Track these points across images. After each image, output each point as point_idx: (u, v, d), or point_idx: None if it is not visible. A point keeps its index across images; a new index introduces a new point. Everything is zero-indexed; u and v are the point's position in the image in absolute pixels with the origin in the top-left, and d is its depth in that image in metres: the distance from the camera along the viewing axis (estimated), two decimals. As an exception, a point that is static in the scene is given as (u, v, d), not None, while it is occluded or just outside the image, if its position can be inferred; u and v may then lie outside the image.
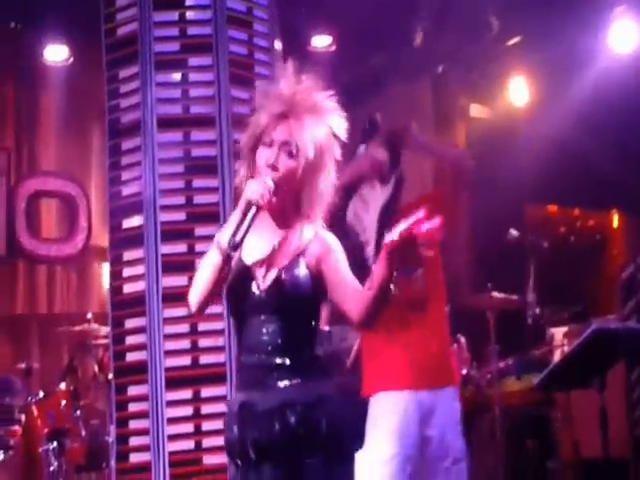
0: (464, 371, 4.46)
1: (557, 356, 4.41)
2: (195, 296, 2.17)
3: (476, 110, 6.77)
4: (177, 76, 3.88)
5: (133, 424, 3.56)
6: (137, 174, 3.76)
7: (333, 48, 6.35)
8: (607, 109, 5.57)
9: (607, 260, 6.97)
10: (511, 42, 6.20)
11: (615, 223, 7.34)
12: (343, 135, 2.24)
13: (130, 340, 3.69)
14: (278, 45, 4.20)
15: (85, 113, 6.37)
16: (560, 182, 5.92)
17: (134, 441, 3.55)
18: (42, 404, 4.17)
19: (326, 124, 2.21)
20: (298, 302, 2.15)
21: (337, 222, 2.91)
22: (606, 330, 3.26)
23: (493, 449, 4.37)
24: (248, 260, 2.20)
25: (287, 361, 2.14)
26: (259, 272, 2.18)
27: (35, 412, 4.15)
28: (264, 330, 2.15)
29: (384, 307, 2.10)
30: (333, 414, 2.13)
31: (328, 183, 2.23)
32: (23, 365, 4.54)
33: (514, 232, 4.54)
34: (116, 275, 3.77)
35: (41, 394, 4.24)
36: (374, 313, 2.11)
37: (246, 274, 2.18)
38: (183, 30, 3.88)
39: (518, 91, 6.40)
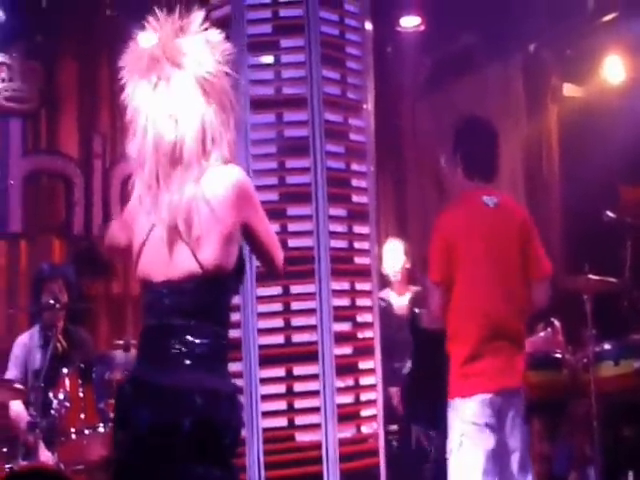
0: (559, 355, 4.37)
1: (657, 342, 4.28)
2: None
3: (570, 89, 6.58)
4: (269, 58, 3.90)
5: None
6: (231, 155, 3.82)
7: (422, 28, 6.30)
8: None
9: None
10: (606, 19, 6.01)
11: None
12: None
13: (224, 318, 3.75)
14: (368, 25, 4.17)
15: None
16: (657, 163, 5.71)
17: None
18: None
19: None
20: None
21: None
22: None
23: (589, 436, 4.27)
24: None
25: None
26: None
27: (133, 387, 4.26)
28: None
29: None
30: None
31: None
32: (121, 342, 4.67)
33: (610, 214, 4.41)
34: (210, 254, 3.84)
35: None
36: None
37: None
38: (275, 12, 3.89)
39: (613, 69, 6.20)
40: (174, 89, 2.07)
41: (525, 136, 6.52)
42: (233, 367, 3.59)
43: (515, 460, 3.17)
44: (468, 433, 3.12)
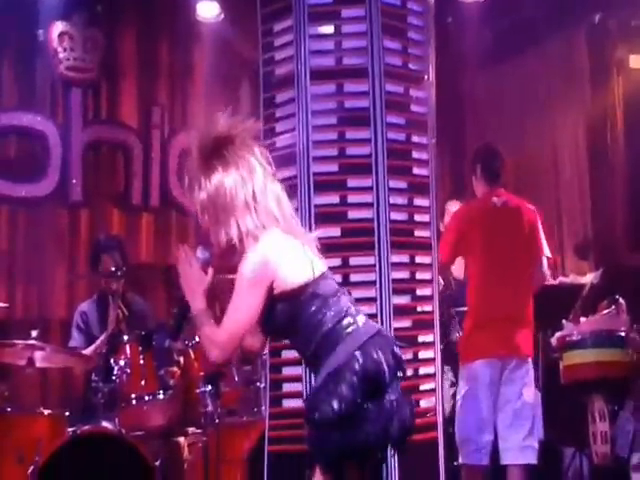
0: (623, 333, 4.29)
1: None
2: None
3: (636, 61, 6.39)
4: (330, 28, 3.85)
5: (286, 371, 3.64)
6: (291, 126, 3.78)
7: (484, -2, 6.20)
8: None
9: None
10: (675, -12, 5.82)
11: None
12: None
13: (283, 289, 3.75)
14: (431, -5, 4.09)
15: (233, 69, 6.49)
16: None
17: (287, 387, 3.63)
18: (198, 348, 4.30)
19: None
20: None
21: None
22: None
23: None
24: None
25: None
26: None
27: (192, 355, 4.31)
28: None
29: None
30: None
31: None
32: (177, 310, 4.71)
33: (678, 190, 4.29)
34: (269, 226, 3.83)
35: (197, 338, 4.38)
36: None
37: None
38: (336, -18, 3.84)
39: (681, 41, 6.01)
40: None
41: (589, 109, 6.36)
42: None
43: (511, 408, 3.98)
44: (472, 388, 4.00)
